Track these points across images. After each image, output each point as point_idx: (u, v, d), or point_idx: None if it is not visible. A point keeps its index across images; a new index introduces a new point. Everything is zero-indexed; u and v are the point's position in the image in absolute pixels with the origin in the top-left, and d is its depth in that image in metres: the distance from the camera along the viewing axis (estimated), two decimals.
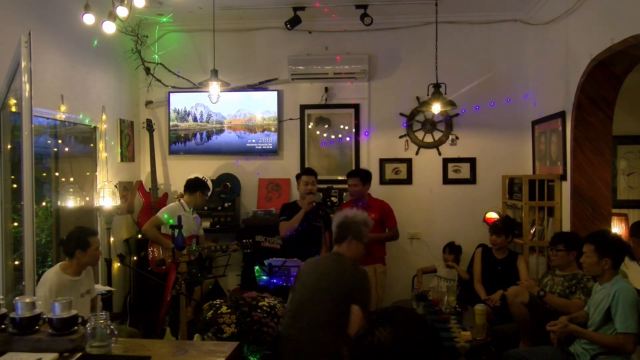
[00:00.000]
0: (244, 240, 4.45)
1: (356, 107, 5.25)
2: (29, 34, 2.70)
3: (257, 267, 3.91)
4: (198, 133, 5.37)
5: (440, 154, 5.18)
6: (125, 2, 3.58)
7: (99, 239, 3.42)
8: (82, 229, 3.41)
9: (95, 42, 4.44)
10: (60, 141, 4.42)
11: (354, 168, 5.17)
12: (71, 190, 4.38)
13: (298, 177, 4.52)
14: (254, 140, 5.30)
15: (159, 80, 5.32)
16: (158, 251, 4.55)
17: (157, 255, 4.54)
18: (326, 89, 5.24)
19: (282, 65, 5.19)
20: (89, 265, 3.36)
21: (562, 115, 4.21)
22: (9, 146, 3.20)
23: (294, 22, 4.89)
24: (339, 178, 5.21)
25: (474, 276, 4.43)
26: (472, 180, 5.16)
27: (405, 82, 5.17)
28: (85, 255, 3.25)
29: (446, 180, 5.19)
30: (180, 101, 5.37)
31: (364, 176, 4.47)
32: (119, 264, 4.79)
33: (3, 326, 2.13)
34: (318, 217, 4.32)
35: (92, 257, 3.33)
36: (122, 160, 4.98)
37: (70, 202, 4.36)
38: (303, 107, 5.30)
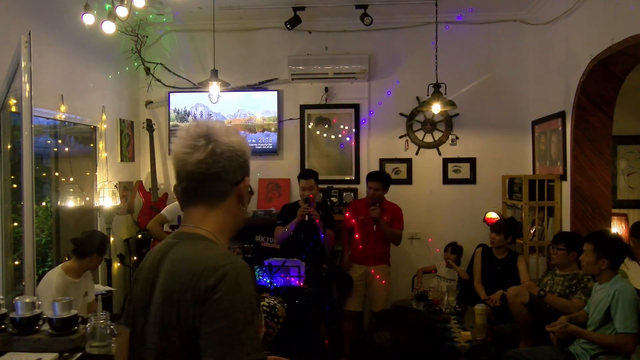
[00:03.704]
0: (245, 245, 4.44)
1: (356, 107, 5.25)
2: (29, 34, 2.71)
3: (256, 268, 3.91)
4: None
5: (440, 154, 5.18)
6: (125, 2, 3.58)
7: None
8: (103, 234, 3.58)
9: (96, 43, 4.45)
10: (60, 141, 4.42)
11: (354, 168, 5.19)
12: (71, 190, 4.39)
13: (299, 179, 4.41)
14: (254, 140, 5.29)
15: (159, 80, 5.31)
16: None
17: None
18: (326, 89, 5.24)
19: (282, 65, 5.18)
20: (92, 269, 3.43)
21: (562, 115, 4.21)
22: (9, 146, 3.21)
23: (294, 22, 4.89)
24: (339, 178, 5.21)
25: (474, 276, 4.43)
26: (472, 180, 5.16)
27: (405, 82, 5.17)
28: (98, 260, 3.36)
29: (446, 180, 5.19)
30: (180, 101, 5.36)
31: (387, 181, 4.43)
32: (119, 264, 4.79)
33: (3, 326, 2.13)
34: (319, 216, 4.20)
35: (99, 263, 3.47)
36: (122, 160, 4.98)
37: (70, 202, 4.37)
38: (303, 107, 5.30)
